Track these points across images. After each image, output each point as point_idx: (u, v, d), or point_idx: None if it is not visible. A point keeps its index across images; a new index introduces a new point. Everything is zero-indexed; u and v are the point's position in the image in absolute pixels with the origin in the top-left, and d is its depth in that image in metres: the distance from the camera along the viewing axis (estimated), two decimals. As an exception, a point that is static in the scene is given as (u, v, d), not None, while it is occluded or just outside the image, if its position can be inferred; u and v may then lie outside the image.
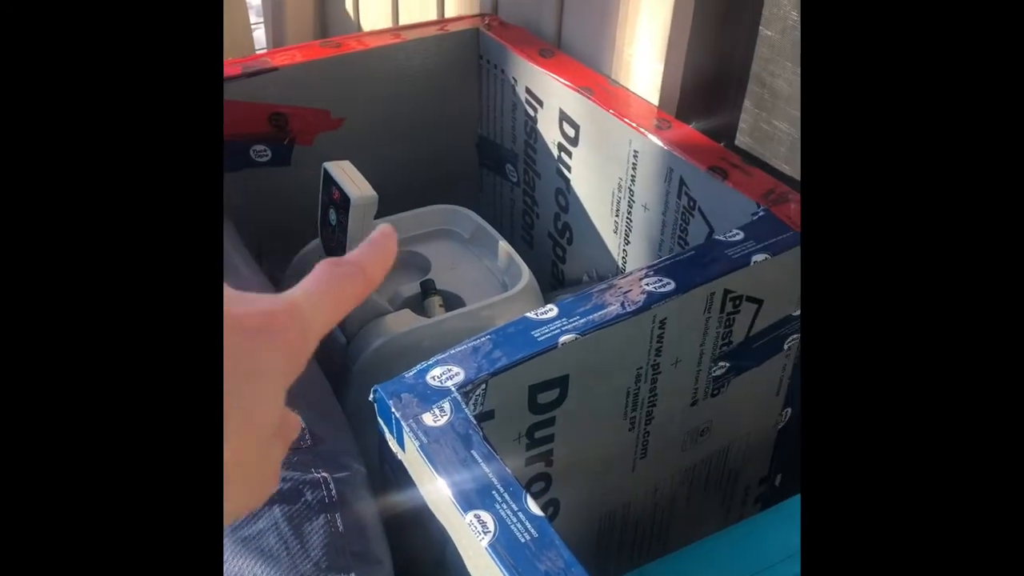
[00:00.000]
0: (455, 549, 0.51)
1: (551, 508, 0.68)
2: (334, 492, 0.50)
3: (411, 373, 0.57)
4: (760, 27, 0.80)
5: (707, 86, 0.87)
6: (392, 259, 0.30)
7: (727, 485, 0.82)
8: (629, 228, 0.88)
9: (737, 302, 0.67)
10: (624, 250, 0.90)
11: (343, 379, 0.80)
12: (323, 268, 0.27)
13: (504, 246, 0.89)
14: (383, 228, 0.30)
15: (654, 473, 0.74)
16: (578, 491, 0.69)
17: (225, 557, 0.45)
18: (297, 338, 0.25)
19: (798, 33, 0.76)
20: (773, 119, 0.82)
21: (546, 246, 1.03)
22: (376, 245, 0.29)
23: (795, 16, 0.76)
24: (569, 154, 0.93)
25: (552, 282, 1.05)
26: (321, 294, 0.27)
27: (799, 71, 0.78)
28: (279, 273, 0.93)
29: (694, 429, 0.74)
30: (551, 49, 0.94)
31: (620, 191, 0.87)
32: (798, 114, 0.79)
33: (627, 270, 0.91)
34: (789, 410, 0.80)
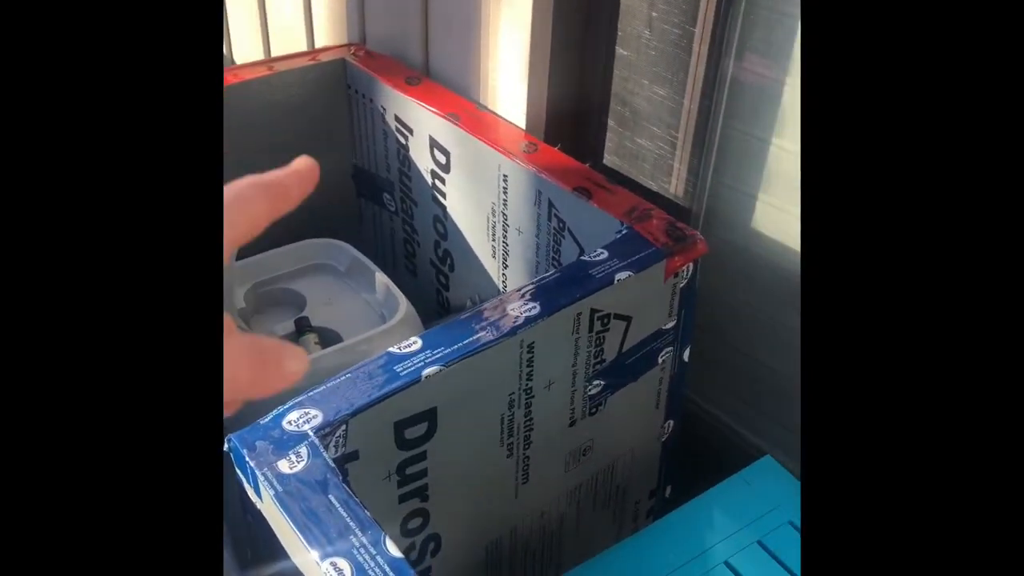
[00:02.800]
0: (316, 600, 0.49)
1: (432, 543, 0.66)
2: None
3: (267, 419, 0.55)
4: (616, 47, 0.81)
5: (572, 107, 0.88)
6: (313, 185, 0.30)
7: (616, 501, 0.83)
8: (506, 252, 0.88)
9: (605, 320, 0.68)
10: (504, 274, 0.90)
11: (216, 426, 0.77)
12: (240, 182, 0.28)
13: (381, 278, 0.88)
14: (305, 160, 0.31)
15: (539, 496, 0.73)
16: (459, 522, 0.68)
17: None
18: None
19: (652, 51, 0.78)
20: (636, 137, 0.83)
21: (429, 274, 1.02)
22: (297, 171, 0.30)
23: (647, 34, 0.78)
24: (443, 180, 0.92)
25: (438, 310, 1.04)
26: (231, 208, 0.27)
27: (656, 88, 0.79)
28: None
29: (576, 449, 0.74)
30: (418, 76, 0.94)
31: (494, 215, 0.87)
32: (659, 131, 0.81)
33: (507, 293, 0.91)
34: (672, 422, 0.81)
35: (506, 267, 0.90)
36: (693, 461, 0.88)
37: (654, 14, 0.76)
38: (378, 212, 1.06)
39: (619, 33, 0.80)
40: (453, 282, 0.99)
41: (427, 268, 1.02)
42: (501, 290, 0.92)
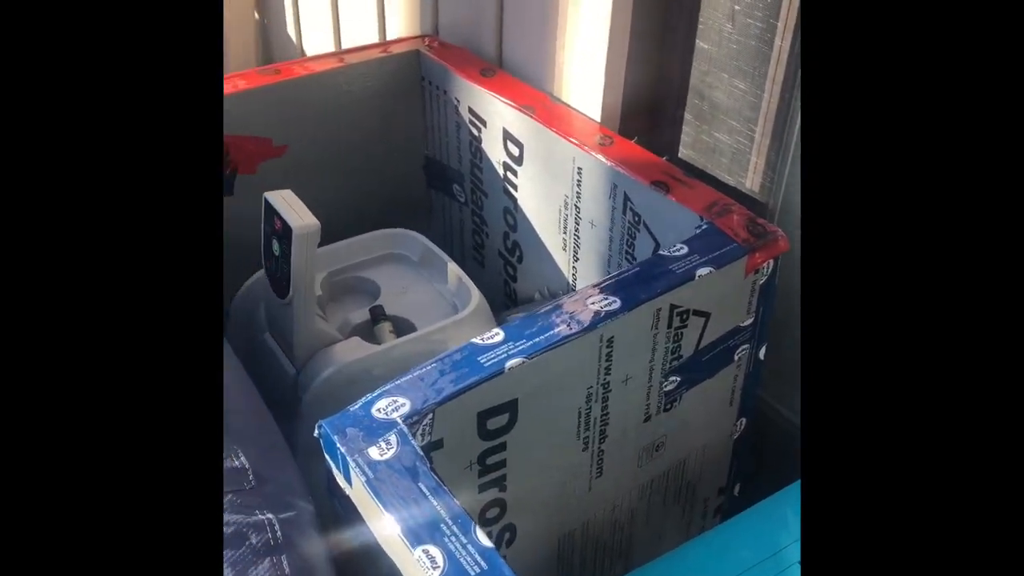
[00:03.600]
0: (406, 585, 0.50)
1: (508, 533, 0.67)
2: (279, 534, 0.49)
3: (356, 406, 0.56)
4: (696, 40, 0.80)
5: (648, 100, 0.88)
6: None
7: (686, 498, 0.82)
8: (577, 245, 0.88)
9: (684, 316, 0.67)
10: (574, 267, 0.90)
11: (293, 410, 0.79)
12: None
13: (453, 268, 0.89)
14: None
15: (611, 491, 0.73)
16: (535, 514, 0.68)
17: (166, 609, 0.44)
18: None
19: (733, 45, 0.77)
20: (714, 131, 0.82)
21: (497, 265, 1.03)
22: None
23: (729, 28, 0.77)
24: (515, 173, 0.92)
25: (505, 301, 1.04)
26: None
27: (736, 83, 0.78)
28: (225, 305, 0.91)
29: (649, 445, 0.74)
30: (492, 68, 0.94)
31: (567, 208, 0.87)
32: (738, 125, 0.80)
33: (578, 286, 0.91)
34: (744, 420, 0.81)
35: (577, 260, 0.90)
36: (762, 459, 0.87)
37: (737, 7, 0.75)
38: (447, 203, 1.07)
39: (700, 26, 0.79)
40: (521, 274, 1.00)
41: (495, 259, 1.03)
42: (571, 283, 0.92)
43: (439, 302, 0.89)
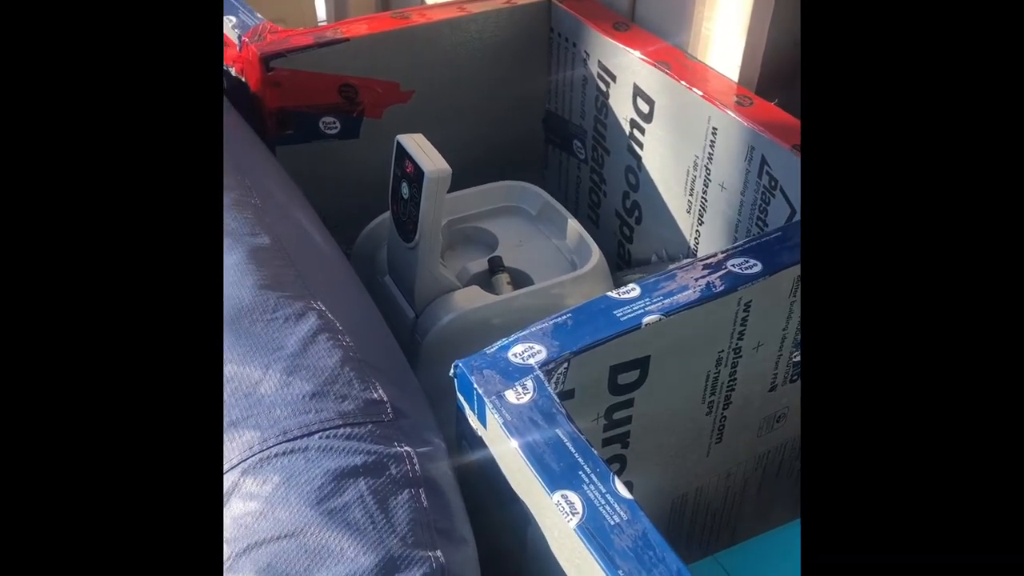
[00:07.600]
0: (539, 530, 0.50)
1: (625, 491, 0.66)
2: (418, 467, 0.49)
3: (492, 349, 0.56)
4: (849, 1, 0.77)
5: (790, 63, 0.84)
6: None
7: (798, 473, 0.80)
8: (704, 208, 0.86)
9: (823, 286, 0.65)
10: (697, 231, 0.88)
11: (411, 354, 0.79)
12: None
13: (573, 224, 0.88)
14: None
15: (728, 458, 0.72)
16: (652, 474, 0.67)
17: (311, 529, 0.45)
18: None
19: (891, 7, 0.73)
20: (859, 97, 0.79)
21: (613, 225, 1.01)
22: None
23: (889, -11, 0.73)
24: (642, 131, 0.91)
25: (618, 262, 1.03)
26: None
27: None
28: (346, 246, 0.93)
29: (771, 415, 0.72)
30: (625, 22, 0.92)
31: (696, 169, 0.85)
32: (887, 92, 0.76)
33: (700, 251, 0.89)
34: (867, 399, 0.78)
35: (701, 224, 0.87)
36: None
37: (900, -34, 0.71)
38: (565, 159, 1.06)
39: (855, -15, 0.76)
40: (638, 235, 0.98)
41: (611, 219, 1.02)
42: (692, 247, 0.90)
43: (556, 257, 0.88)
